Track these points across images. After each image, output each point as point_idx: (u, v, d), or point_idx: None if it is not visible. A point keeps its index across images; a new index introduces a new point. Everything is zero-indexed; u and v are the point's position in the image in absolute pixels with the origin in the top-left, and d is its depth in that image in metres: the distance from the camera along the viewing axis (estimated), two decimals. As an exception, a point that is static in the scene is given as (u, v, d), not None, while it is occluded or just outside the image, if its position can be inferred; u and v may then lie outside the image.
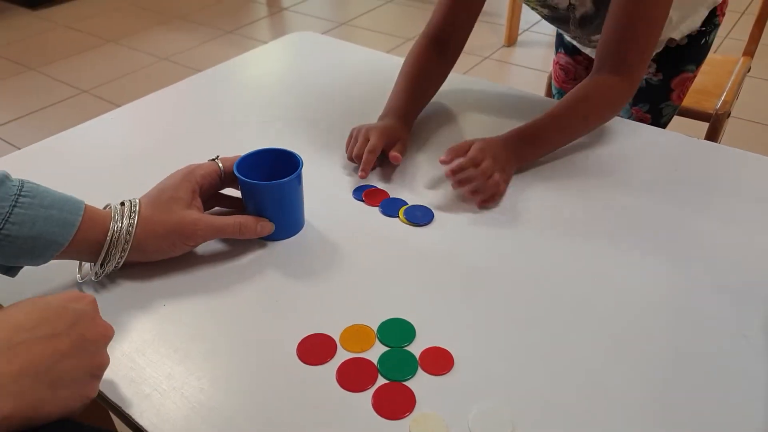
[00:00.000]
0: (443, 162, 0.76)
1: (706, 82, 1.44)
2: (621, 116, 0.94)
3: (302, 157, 0.68)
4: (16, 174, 0.57)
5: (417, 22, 0.90)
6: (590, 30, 1.01)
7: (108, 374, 0.53)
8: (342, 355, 0.56)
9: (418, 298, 0.62)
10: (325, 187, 0.78)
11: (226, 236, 0.67)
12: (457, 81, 1.01)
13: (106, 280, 0.64)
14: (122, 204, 0.62)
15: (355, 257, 0.68)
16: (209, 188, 0.68)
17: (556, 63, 1.26)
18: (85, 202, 0.59)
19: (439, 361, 0.55)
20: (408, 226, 0.72)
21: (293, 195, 0.69)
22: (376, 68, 1.07)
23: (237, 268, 0.66)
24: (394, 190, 0.78)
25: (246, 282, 0.64)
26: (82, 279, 0.63)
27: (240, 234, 0.66)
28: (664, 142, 0.87)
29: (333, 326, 0.59)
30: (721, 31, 1.26)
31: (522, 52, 2.76)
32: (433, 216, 0.73)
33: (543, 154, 0.83)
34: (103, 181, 0.80)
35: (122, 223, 0.60)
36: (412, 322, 0.59)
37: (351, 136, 0.84)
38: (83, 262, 0.64)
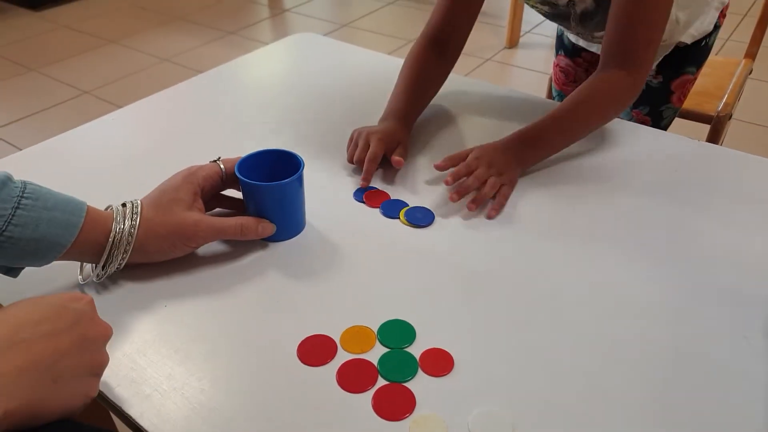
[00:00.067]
0: (438, 167, 0.77)
1: (708, 84, 1.44)
2: (621, 118, 0.94)
3: (303, 159, 0.68)
4: (18, 175, 0.57)
5: (419, 24, 0.91)
6: (592, 26, 1.01)
7: (108, 374, 0.53)
8: (342, 356, 0.56)
9: (419, 299, 0.62)
10: (326, 188, 0.79)
11: (227, 237, 0.67)
12: (458, 83, 1.01)
13: (107, 280, 0.64)
14: (124, 205, 0.62)
15: (356, 258, 0.68)
16: (211, 189, 0.68)
17: (557, 65, 1.27)
18: (87, 204, 0.59)
19: (439, 363, 0.55)
20: (409, 227, 0.72)
21: (294, 196, 0.69)
22: (378, 70, 1.07)
23: (238, 268, 0.66)
24: (395, 192, 0.78)
25: (247, 283, 0.64)
26: (83, 280, 0.63)
27: (241, 235, 0.66)
28: (664, 144, 0.87)
29: (333, 327, 0.59)
30: (722, 34, 1.26)
31: (524, 54, 2.76)
32: (433, 218, 0.74)
33: (546, 156, 0.82)
34: (104, 183, 0.80)
35: (124, 224, 0.60)
36: (413, 324, 0.59)
37: (351, 138, 0.84)
38: (85, 263, 0.64)
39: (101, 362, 0.48)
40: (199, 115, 0.96)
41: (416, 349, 0.57)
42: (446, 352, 0.56)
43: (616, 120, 0.90)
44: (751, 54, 1.54)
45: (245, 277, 0.65)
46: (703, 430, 0.50)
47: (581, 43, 1.17)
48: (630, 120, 1.12)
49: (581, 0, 0.95)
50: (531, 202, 0.76)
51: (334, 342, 0.57)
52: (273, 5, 3.45)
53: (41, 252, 0.56)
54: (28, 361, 0.41)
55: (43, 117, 2.36)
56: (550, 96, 1.38)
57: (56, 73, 2.67)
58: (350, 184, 0.80)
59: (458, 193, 0.74)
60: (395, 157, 0.79)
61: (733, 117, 1.41)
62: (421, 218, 0.73)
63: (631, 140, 0.88)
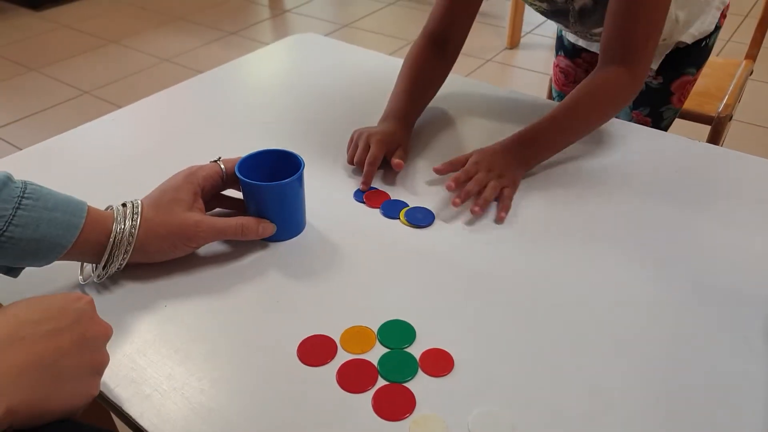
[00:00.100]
0: (437, 171, 0.77)
1: (708, 85, 1.44)
2: (621, 119, 0.94)
3: (304, 159, 0.68)
4: (18, 175, 0.57)
5: (419, 25, 0.91)
6: (590, 23, 1.00)
7: (109, 374, 0.53)
8: (342, 357, 0.56)
9: (419, 299, 0.62)
10: (327, 188, 0.79)
11: (227, 237, 0.67)
12: (459, 84, 1.01)
13: (107, 280, 0.64)
14: (124, 205, 0.62)
15: (356, 259, 0.68)
16: (211, 189, 0.68)
17: (556, 66, 1.27)
18: (88, 204, 0.59)
19: (439, 363, 0.55)
20: (409, 227, 0.72)
21: (294, 196, 0.69)
22: (378, 70, 1.07)
23: (238, 269, 0.66)
24: (395, 192, 0.78)
25: (247, 283, 0.65)
26: (84, 280, 0.63)
27: (242, 235, 0.66)
28: (664, 144, 0.87)
29: (333, 327, 0.59)
30: (723, 35, 1.26)
31: (524, 55, 2.76)
32: (433, 218, 0.74)
33: (547, 157, 0.82)
34: (104, 183, 0.80)
35: (125, 224, 0.60)
36: (413, 324, 0.59)
37: (352, 139, 0.84)
38: (85, 264, 0.64)
39: (102, 361, 0.48)
40: (199, 115, 0.96)
41: (416, 350, 0.57)
42: (446, 352, 0.56)
43: (617, 121, 0.90)
44: (752, 55, 1.54)
45: (245, 277, 0.65)
46: (703, 430, 0.50)
47: (581, 43, 1.17)
48: (630, 121, 1.12)
49: None
50: (531, 202, 0.76)
51: (334, 342, 0.57)
52: (273, 6, 3.45)
53: (42, 252, 0.56)
54: (29, 360, 0.41)
55: (43, 117, 2.36)
56: (550, 97, 1.38)
57: (56, 73, 2.67)
58: (350, 184, 0.80)
59: (460, 198, 0.74)
60: (395, 160, 0.79)
61: (733, 118, 1.41)
62: (421, 219, 0.73)
63: (632, 141, 0.88)
